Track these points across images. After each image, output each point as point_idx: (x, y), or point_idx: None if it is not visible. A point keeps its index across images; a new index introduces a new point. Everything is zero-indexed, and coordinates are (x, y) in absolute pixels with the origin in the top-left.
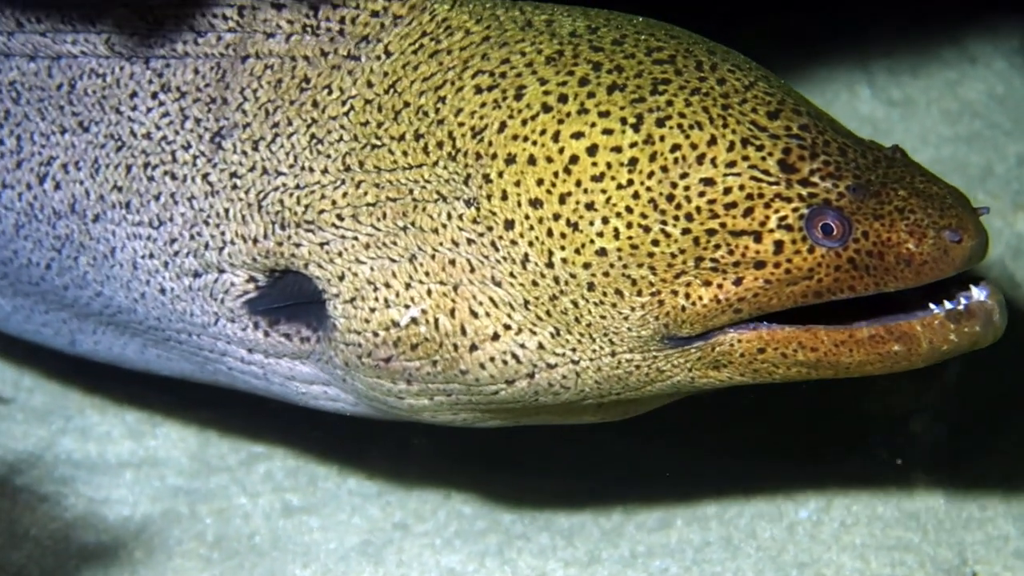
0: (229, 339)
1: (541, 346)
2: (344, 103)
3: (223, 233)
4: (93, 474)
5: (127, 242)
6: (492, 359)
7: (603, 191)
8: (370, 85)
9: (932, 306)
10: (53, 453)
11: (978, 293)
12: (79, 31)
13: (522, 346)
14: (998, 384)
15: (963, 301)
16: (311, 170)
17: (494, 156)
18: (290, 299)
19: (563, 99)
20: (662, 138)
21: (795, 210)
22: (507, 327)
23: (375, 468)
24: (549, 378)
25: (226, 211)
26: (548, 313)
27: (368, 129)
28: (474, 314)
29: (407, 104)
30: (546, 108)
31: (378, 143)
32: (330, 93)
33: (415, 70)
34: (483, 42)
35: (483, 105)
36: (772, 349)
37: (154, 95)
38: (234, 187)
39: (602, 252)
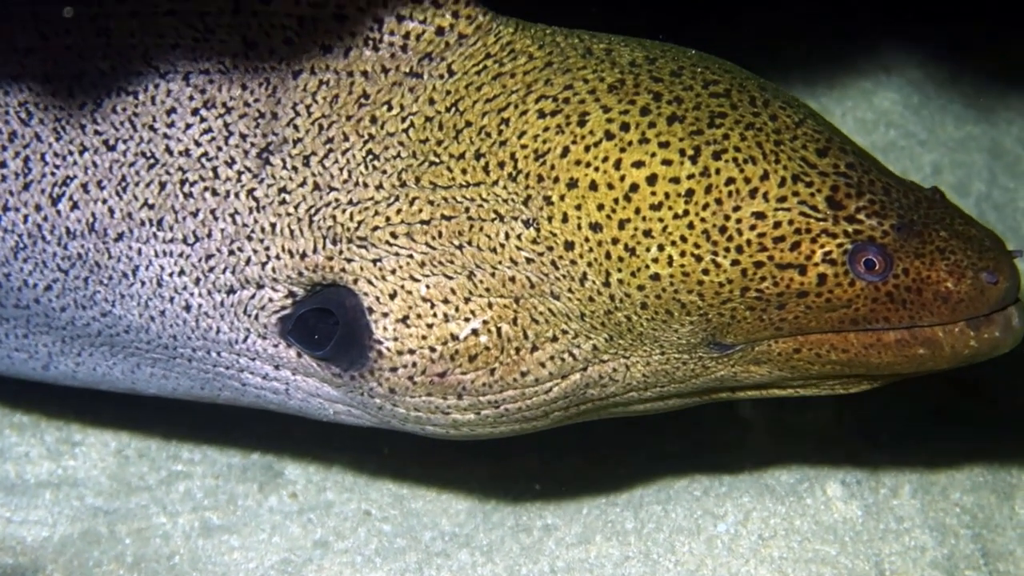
0: (256, 355)
1: (595, 348)
2: (404, 119)
3: (267, 248)
4: (11, 495)
5: (154, 259)
6: (552, 358)
7: (660, 219)
8: (431, 103)
9: None
10: None
11: None
12: (112, 45)
13: (579, 347)
14: (913, 398)
15: None
16: (365, 186)
17: (556, 179)
18: (320, 305)
19: (625, 128)
20: (718, 171)
21: (840, 245)
22: (564, 332)
23: (295, 486)
24: (601, 371)
25: (272, 226)
26: (603, 324)
27: (427, 146)
28: (535, 321)
29: (469, 124)
30: (608, 136)
31: (436, 160)
32: (390, 109)
33: (478, 91)
34: (546, 67)
35: (546, 129)
36: (807, 349)
37: (195, 111)
38: (282, 202)
39: (656, 277)
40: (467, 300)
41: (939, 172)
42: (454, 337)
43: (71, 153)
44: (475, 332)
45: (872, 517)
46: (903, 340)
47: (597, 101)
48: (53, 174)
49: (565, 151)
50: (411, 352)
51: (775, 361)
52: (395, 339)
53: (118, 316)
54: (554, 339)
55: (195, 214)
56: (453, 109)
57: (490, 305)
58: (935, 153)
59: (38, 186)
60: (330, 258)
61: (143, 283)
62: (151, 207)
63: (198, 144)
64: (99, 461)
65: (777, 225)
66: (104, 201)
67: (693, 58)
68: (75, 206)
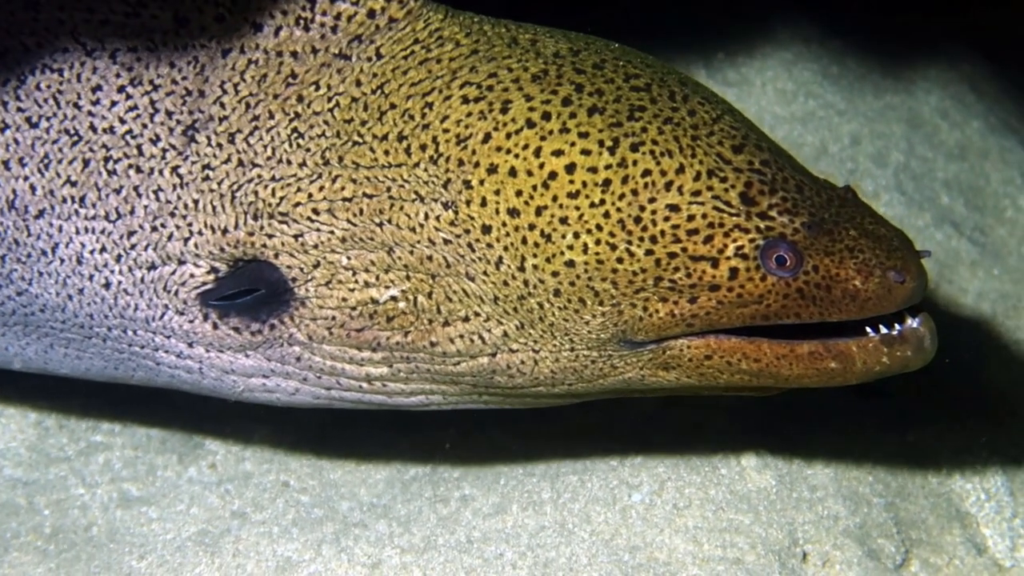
0: (171, 333)
1: (506, 334)
2: (330, 99)
3: (190, 224)
4: None
5: (75, 237)
6: (461, 336)
7: (577, 208)
8: (358, 84)
9: (868, 329)
10: None
11: (911, 320)
12: (40, 20)
13: (489, 331)
14: None
15: (897, 327)
16: (288, 163)
17: (476, 164)
18: (246, 286)
19: (546, 117)
20: (635, 163)
21: (752, 241)
22: (476, 314)
23: (214, 457)
24: (509, 360)
25: (195, 202)
26: (515, 309)
27: (351, 127)
28: (449, 299)
29: (393, 106)
30: (530, 124)
31: (360, 140)
32: (317, 89)
33: (404, 75)
34: (472, 55)
35: (469, 115)
36: (718, 357)
37: (120, 88)
38: (206, 179)
39: (570, 264)
40: (387, 271)
41: (858, 142)
42: (374, 301)
43: None
44: (394, 298)
45: (786, 487)
46: (816, 352)
47: (520, 90)
48: None
49: (487, 137)
50: (332, 308)
51: (685, 367)
52: (317, 297)
53: (34, 295)
54: (466, 319)
55: (118, 191)
56: (379, 91)
57: (408, 278)
58: (854, 123)
59: None
60: (251, 233)
61: (62, 260)
62: (73, 184)
63: (123, 121)
64: (18, 432)
65: (691, 218)
66: (26, 178)
67: (616, 51)
68: None
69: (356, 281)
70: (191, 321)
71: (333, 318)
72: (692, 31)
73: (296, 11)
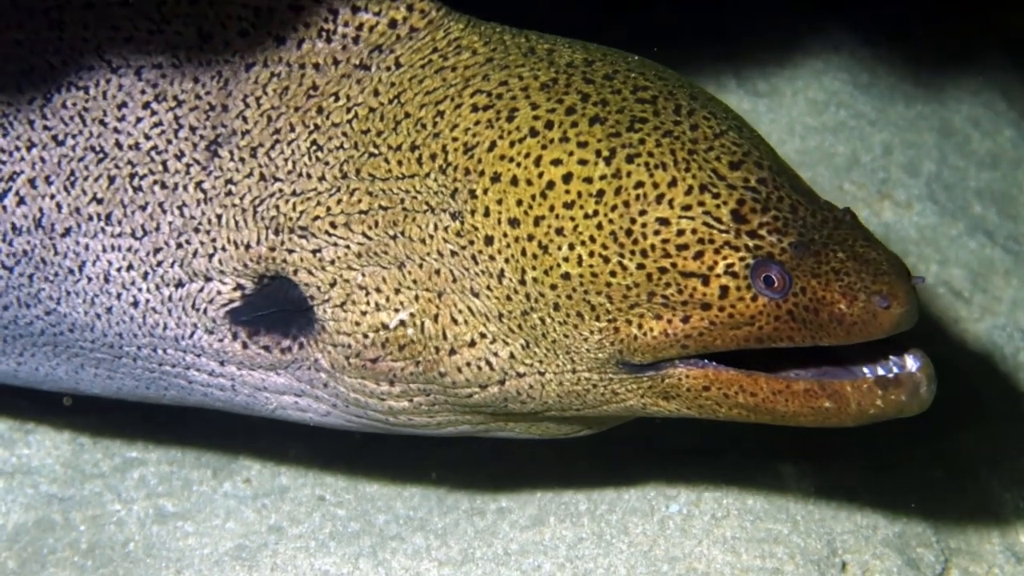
0: (202, 351)
1: (512, 356)
2: (349, 110)
3: (214, 240)
4: None
5: (102, 255)
6: (468, 364)
7: (572, 218)
8: (376, 94)
9: (865, 369)
10: None
11: (911, 363)
12: (65, 39)
13: (495, 354)
14: None
15: (895, 369)
16: (308, 176)
17: (481, 173)
18: (275, 306)
19: (549, 125)
20: (629, 174)
21: (742, 259)
22: (483, 335)
23: (249, 472)
24: (518, 386)
25: (219, 217)
26: (520, 327)
27: (368, 137)
28: (455, 321)
29: (408, 115)
30: (533, 132)
31: (376, 152)
32: (336, 100)
33: (420, 83)
34: (486, 63)
35: (477, 123)
36: (716, 388)
37: (146, 105)
38: (228, 193)
39: (567, 276)
40: (397, 291)
41: (889, 152)
42: (384, 326)
43: (18, 149)
44: (403, 323)
45: (824, 496)
46: (811, 391)
47: (528, 98)
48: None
49: (492, 145)
50: (347, 335)
51: (684, 398)
52: (334, 320)
53: (63, 314)
54: (472, 343)
55: (144, 207)
56: (395, 101)
57: (416, 298)
58: (885, 132)
59: None
60: (272, 248)
61: (90, 279)
62: (100, 202)
63: (148, 138)
64: (53, 449)
65: (680, 232)
66: (52, 196)
67: (632, 63)
68: (21, 201)
69: (368, 303)
70: (221, 340)
71: (349, 346)
72: (722, 41)
73: (319, 23)
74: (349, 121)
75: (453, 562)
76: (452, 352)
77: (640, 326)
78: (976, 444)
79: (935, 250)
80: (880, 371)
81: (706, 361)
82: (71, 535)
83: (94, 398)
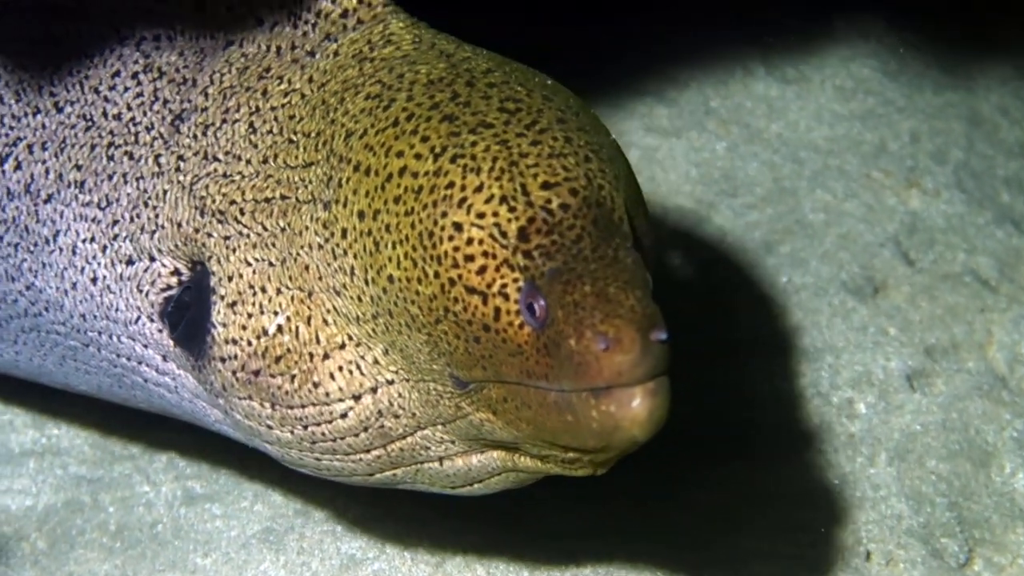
0: (147, 341)
1: (376, 361)
2: (286, 95)
3: (157, 216)
4: None
5: (72, 224)
6: (340, 368)
7: (396, 214)
8: (311, 81)
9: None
10: None
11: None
12: (84, 5)
13: (362, 358)
14: (887, 364)
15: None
16: (239, 159)
17: (349, 161)
18: (194, 300)
19: (410, 118)
20: (446, 173)
21: (515, 281)
22: (350, 337)
23: None
24: (389, 394)
25: (164, 193)
26: (374, 330)
27: (292, 124)
28: (325, 322)
29: (323, 103)
30: (395, 123)
31: (293, 139)
32: (280, 84)
33: (343, 72)
34: (402, 58)
35: (362, 111)
36: (510, 401)
37: (134, 75)
38: (177, 169)
39: (391, 280)
40: (278, 291)
41: (917, 140)
42: (264, 332)
43: (26, 115)
44: (280, 329)
45: (849, 486)
46: (559, 402)
47: (409, 90)
48: (7, 135)
49: (364, 133)
50: (234, 342)
51: (498, 413)
52: (223, 324)
53: (39, 289)
54: (342, 346)
55: (111, 177)
56: (321, 89)
57: (292, 299)
58: (913, 120)
59: None
60: (196, 230)
61: (60, 250)
62: (79, 168)
63: (129, 108)
64: (83, 430)
65: (469, 242)
66: (43, 162)
67: (533, 84)
68: (18, 166)
69: (253, 304)
70: (160, 331)
71: (235, 356)
72: (751, 27)
73: (290, 6)
74: (283, 106)
75: (478, 548)
76: (326, 356)
77: (449, 343)
78: (1000, 435)
79: (962, 239)
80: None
81: None
82: (100, 516)
83: None
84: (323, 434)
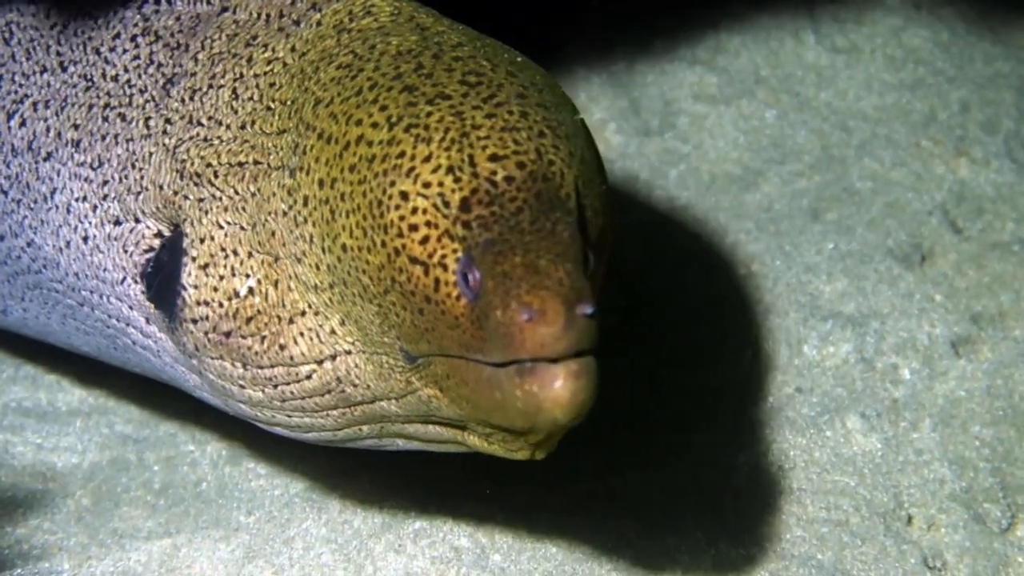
0: (131, 303)
1: (333, 331)
2: (269, 63)
3: (142, 177)
4: (42, 422)
5: (68, 182)
6: (302, 333)
7: (351, 183)
8: (293, 50)
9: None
10: (3, 401)
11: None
12: None
13: (320, 327)
14: (932, 330)
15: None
16: (219, 124)
17: (314, 129)
18: (169, 263)
19: (372, 87)
20: (398, 143)
21: (454, 251)
22: (309, 306)
23: None
24: (347, 364)
25: (150, 155)
26: (331, 299)
27: (272, 91)
28: (289, 288)
29: (301, 71)
30: (358, 92)
31: (272, 106)
32: (264, 51)
33: (322, 41)
34: (377, 30)
35: (332, 80)
36: (452, 377)
37: (133, 37)
38: (164, 132)
39: (344, 249)
40: (250, 255)
41: (967, 110)
42: (236, 294)
43: (34, 72)
44: (251, 291)
45: (891, 450)
46: (491, 380)
47: (376, 60)
48: (15, 92)
49: (330, 101)
50: (206, 304)
51: (444, 389)
52: (195, 286)
53: (38, 246)
54: (303, 313)
55: (104, 138)
56: (301, 58)
57: (262, 263)
58: (963, 90)
59: (1, 103)
60: (175, 192)
61: (56, 208)
62: (76, 128)
63: (126, 70)
64: (130, 389)
65: (414, 211)
66: (45, 120)
67: (499, 59)
68: (23, 123)
69: (225, 266)
70: (143, 292)
71: (207, 318)
72: None
73: None
74: (265, 74)
75: (519, 510)
76: (291, 320)
77: (397, 315)
78: None
79: (1011, 208)
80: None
81: None
82: (145, 475)
83: None
84: (291, 393)
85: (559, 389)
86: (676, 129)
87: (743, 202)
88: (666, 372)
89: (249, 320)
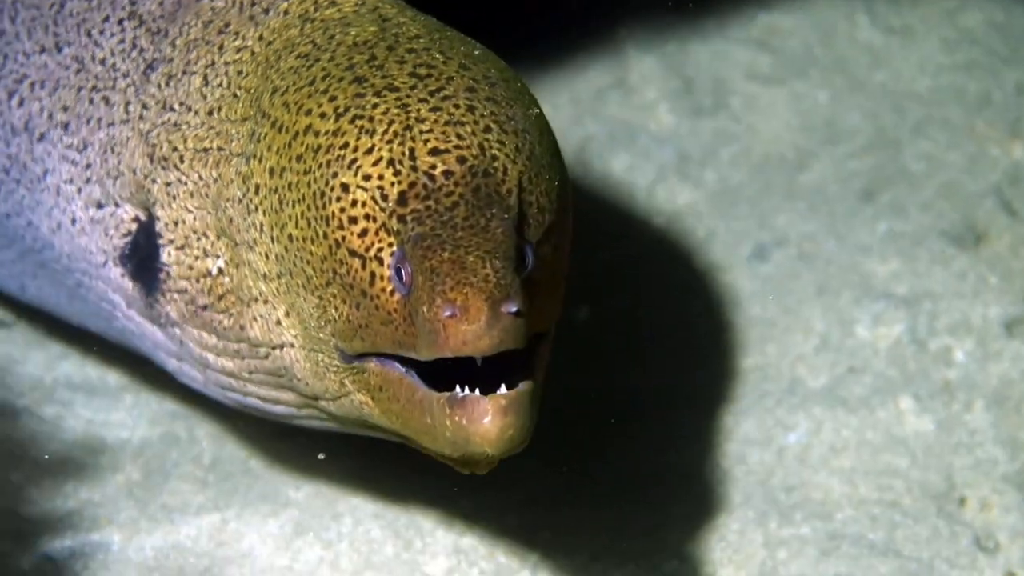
0: (114, 286)
1: (279, 322)
2: (238, 51)
3: (119, 162)
4: (92, 397)
5: (57, 164)
6: (255, 319)
7: (298, 172)
8: (261, 39)
9: (458, 387)
10: (53, 376)
11: (500, 389)
12: None
13: (269, 315)
14: (986, 312)
15: (469, 392)
16: (189, 109)
17: (268, 116)
18: (146, 247)
19: (325, 78)
20: (343, 133)
21: (390, 245)
22: (262, 293)
23: None
24: (291, 356)
25: (127, 140)
26: (278, 290)
27: (239, 79)
28: (245, 274)
29: (266, 60)
30: (311, 82)
31: (237, 93)
32: (235, 39)
33: (287, 31)
34: (339, 20)
35: (290, 69)
36: (385, 390)
37: (120, 21)
38: (140, 117)
39: (291, 239)
40: (218, 236)
41: (1022, 91)
42: (209, 272)
43: (34, 52)
44: (221, 271)
45: (944, 431)
46: (423, 402)
47: (332, 51)
48: (17, 71)
49: (285, 90)
50: (184, 279)
51: (376, 399)
52: (176, 264)
53: (36, 227)
54: (256, 299)
55: (88, 121)
56: (267, 47)
57: (227, 246)
58: (1018, 72)
59: (3, 82)
60: (146, 176)
61: (48, 189)
62: (65, 110)
63: (112, 54)
64: None
65: (354, 203)
66: (40, 100)
67: (455, 48)
68: (21, 103)
69: (198, 247)
70: (122, 275)
71: (186, 291)
72: None
73: None
74: (235, 62)
75: (564, 487)
76: (249, 304)
77: (336, 308)
78: None
79: None
80: (458, 391)
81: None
82: (194, 450)
83: None
84: (255, 367)
85: (487, 425)
86: (729, 109)
87: (795, 183)
88: (716, 354)
89: (220, 297)
